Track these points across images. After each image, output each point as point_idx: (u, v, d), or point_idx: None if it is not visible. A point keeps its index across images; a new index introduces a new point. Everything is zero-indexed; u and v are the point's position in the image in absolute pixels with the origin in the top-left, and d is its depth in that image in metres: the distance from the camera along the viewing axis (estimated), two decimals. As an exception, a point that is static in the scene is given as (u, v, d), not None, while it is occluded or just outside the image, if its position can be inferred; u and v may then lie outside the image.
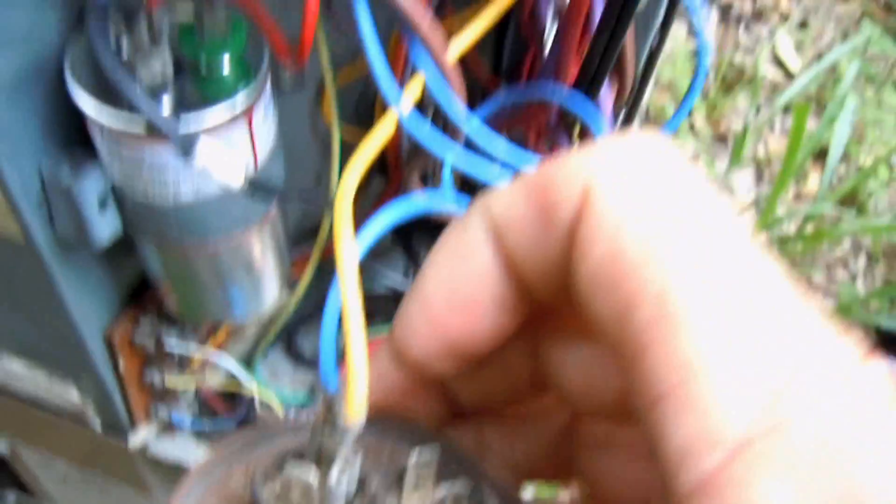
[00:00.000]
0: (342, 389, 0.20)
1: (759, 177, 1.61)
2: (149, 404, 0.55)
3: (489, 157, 0.37)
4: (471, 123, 0.35)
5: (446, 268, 0.19)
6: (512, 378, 0.22)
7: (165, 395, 0.55)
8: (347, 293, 0.20)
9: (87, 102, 0.34)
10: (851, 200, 1.56)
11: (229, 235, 0.41)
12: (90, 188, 0.36)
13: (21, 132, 0.35)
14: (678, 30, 1.84)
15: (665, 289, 0.14)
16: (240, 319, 0.49)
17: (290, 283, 0.57)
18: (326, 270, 0.62)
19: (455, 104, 0.38)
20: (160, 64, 0.33)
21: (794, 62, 1.84)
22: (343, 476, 0.20)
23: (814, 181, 1.56)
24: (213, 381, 0.55)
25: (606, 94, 0.46)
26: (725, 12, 1.90)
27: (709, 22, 1.88)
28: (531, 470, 0.23)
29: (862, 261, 1.48)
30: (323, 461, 0.20)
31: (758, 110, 1.70)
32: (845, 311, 1.30)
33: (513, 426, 0.24)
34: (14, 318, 0.46)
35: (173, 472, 0.67)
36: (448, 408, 0.23)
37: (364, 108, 0.50)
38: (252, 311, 0.48)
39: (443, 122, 0.38)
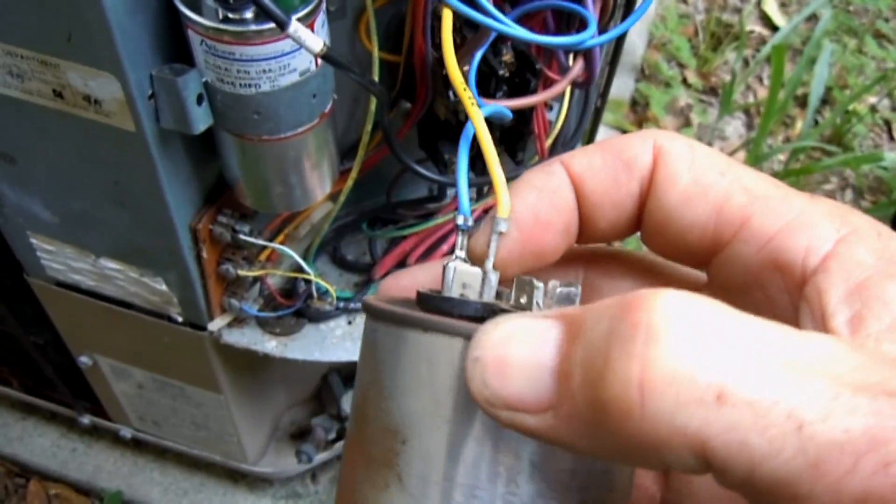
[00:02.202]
0: (495, 196, 0.27)
1: (749, 124, 1.70)
2: (222, 297, 0.66)
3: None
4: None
5: (532, 199, 0.27)
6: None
7: (237, 289, 0.65)
8: (483, 135, 0.28)
9: (191, 14, 0.44)
10: (839, 142, 1.66)
11: (296, 130, 0.51)
12: (190, 84, 0.46)
13: (138, 41, 0.45)
14: (668, -8, 1.94)
15: (739, 191, 0.24)
16: (298, 207, 0.58)
17: (333, 197, 0.67)
18: (362, 186, 0.72)
19: None
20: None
21: (779, 18, 1.93)
22: (494, 274, 0.26)
23: (801, 126, 1.66)
24: (277, 272, 0.65)
25: (592, 7, 0.56)
26: (712, -26, 1.99)
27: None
28: None
29: (849, 195, 1.58)
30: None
31: (746, 63, 1.80)
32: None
33: None
34: (118, 214, 0.56)
35: (242, 366, 0.77)
36: None
37: (394, 30, 0.60)
38: (309, 201, 0.58)
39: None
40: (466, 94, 0.30)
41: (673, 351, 0.17)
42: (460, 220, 0.27)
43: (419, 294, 0.26)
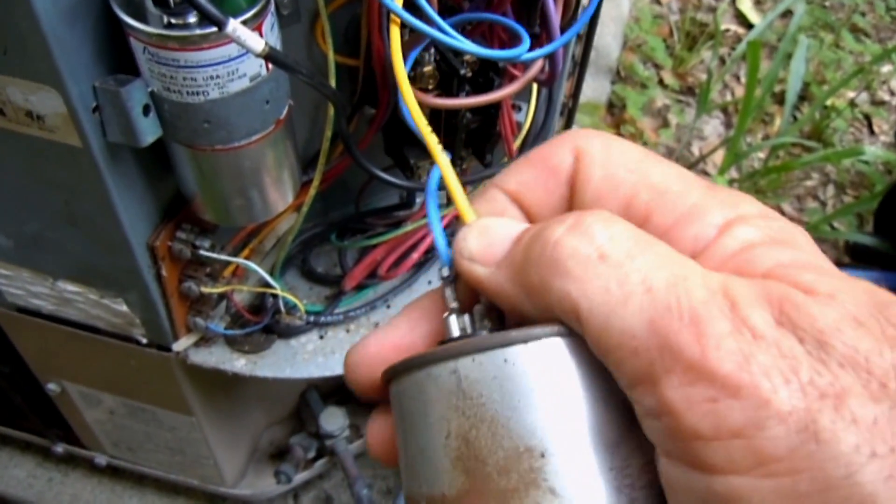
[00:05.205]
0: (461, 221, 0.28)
1: (727, 123, 1.69)
2: (187, 316, 0.64)
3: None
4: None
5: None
6: None
7: (202, 307, 0.63)
8: (445, 169, 0.29)
9: (132, 21, 0.42)
10: (818, 138, 1.65)
11: (250, 138, 0.50)
12: (135, 94, 0.45)
13: (77, 52, 0.43)
14: (642, -6, 1.93)
15: (645, 187, 0.25)
16: (259, 220, 0.57)
17: (298, 208, 0.65)
18: (330, 196, 0.70)
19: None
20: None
21: (754, 16, 1.93)
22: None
23: (780, 123, 1.65)
24: (244, 288, 0.63)
25: (554, 9, 0.55)
26: (686, -26, 1.99)
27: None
28: None
29: (831, 190, 1.57)
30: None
31: (722, 61, 1.79)
32: (813, 229, 1.39)
33: None
34: (72, 235, 0.54)
35: (213, 386, 0.75)
36: None
37: (352, 34, 0.58)
38: (271, 212, 0.56)
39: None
40: (433, 139, 0.30)
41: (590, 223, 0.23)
42: (445, 273, 0.28)
43: (445, 344, 0.26)
